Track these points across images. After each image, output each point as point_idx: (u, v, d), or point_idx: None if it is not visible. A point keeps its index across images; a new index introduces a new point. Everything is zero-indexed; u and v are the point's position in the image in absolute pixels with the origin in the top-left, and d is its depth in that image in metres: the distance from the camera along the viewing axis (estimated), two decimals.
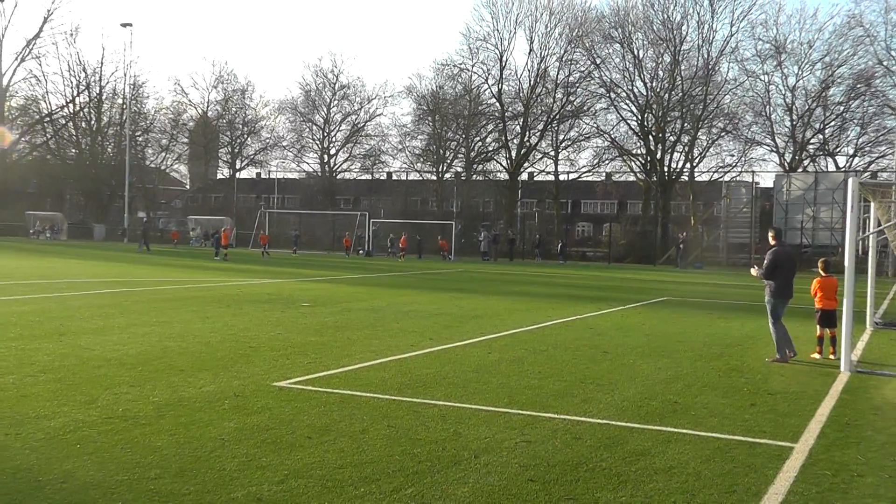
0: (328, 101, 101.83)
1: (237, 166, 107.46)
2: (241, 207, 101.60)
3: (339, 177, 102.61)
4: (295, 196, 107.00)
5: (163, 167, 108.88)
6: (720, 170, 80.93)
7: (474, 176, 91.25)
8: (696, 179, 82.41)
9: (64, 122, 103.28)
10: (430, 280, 40.77)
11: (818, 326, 17.24)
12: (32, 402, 10.79)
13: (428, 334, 18.75)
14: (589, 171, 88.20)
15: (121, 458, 8.43)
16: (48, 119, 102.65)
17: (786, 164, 77.63)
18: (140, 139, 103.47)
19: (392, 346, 16.73)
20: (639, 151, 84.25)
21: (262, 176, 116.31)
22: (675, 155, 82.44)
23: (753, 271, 16.83)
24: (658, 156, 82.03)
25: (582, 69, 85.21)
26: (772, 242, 16.74)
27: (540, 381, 13.32)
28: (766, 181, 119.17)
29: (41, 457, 8.43)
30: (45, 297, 24.89)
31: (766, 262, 16.49)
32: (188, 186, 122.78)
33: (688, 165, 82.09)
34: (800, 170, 75.54)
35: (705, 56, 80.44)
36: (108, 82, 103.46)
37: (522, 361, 15.33)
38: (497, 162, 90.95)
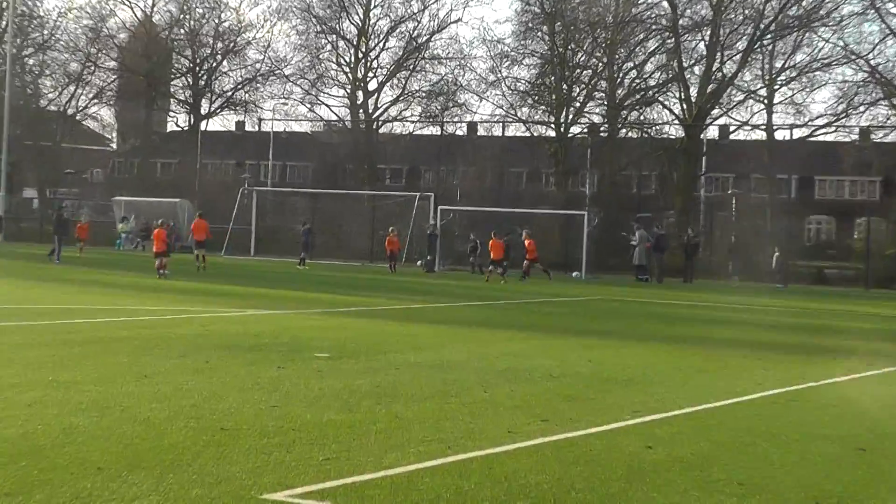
0: None
1: (203, 111, 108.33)
2: (209, 182, 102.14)
3: (382, 130, 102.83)
4: (305, 164, 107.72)
5: (71, 111, 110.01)
6: None
7: (624, 131, 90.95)
8: None
9: None
10: (542, 314, 40.72)
11: None
12: None
13: (539, 411, 18.67)
14: (829, 124, 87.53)
15: None
16: None
17: None
18: (31, 62, 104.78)
19: (475, 429, 16.66)
20: None
21: (249, 128, 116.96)
22: None
23: None
24: None
25: None
26: None
27: (740, 501, 13.17)
28: None
29: None
30: None
31: None
32: (115, 146, 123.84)
33: None
34: None
35: None
36: None
37: (709, 463, 15.20)
38: (665, 107, 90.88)
